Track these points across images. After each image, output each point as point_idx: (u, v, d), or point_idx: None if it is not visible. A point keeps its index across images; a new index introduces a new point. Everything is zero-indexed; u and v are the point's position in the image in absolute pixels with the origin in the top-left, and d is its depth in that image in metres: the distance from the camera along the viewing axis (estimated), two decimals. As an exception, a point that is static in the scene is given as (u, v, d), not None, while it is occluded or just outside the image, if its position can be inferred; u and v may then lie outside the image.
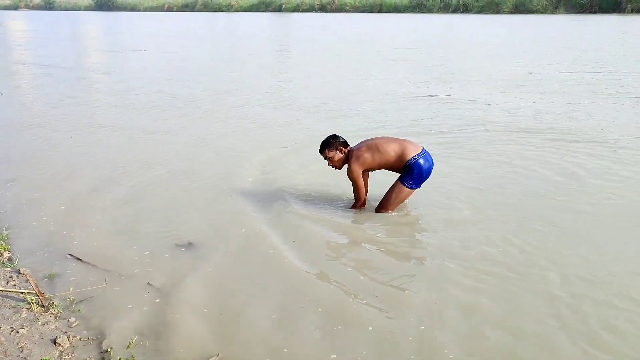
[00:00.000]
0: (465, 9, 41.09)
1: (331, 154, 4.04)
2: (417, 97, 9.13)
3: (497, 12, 38.83)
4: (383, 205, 4.11)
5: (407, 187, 4.02)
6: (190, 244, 3.70)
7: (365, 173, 4.18)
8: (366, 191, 4.22)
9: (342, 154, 4.05)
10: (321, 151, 4.11)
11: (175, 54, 17.18)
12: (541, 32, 23.84)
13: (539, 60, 13.74)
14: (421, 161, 3.94)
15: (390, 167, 4.05)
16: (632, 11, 33.25)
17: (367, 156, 3.94)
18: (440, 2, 42.73)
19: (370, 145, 3.99)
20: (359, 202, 4.16)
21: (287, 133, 6.73)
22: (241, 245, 3.69)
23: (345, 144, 4.07)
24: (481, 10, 40.07)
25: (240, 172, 5.17)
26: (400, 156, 3.94)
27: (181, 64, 14.64)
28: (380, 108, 8.18)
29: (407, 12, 43.70)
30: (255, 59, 15.89)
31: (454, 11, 41.54)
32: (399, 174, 4.07)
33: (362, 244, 3.76)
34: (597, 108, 7.93)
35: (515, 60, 13.89)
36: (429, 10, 42.88)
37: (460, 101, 8.66)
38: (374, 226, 3.97)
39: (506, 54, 15.62)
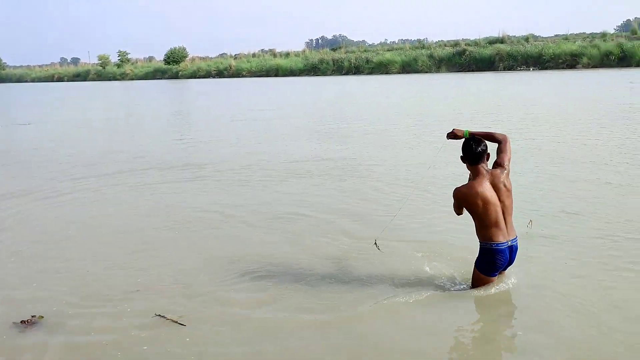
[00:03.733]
0: (357, 71, 42.26)
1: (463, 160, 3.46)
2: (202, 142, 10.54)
3: (387, 73, 40.14)
4: (473, 285, 3.52)
5: (482, 274, 3.39)
6: None
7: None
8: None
9: (467, 167, 3.45)
10: None
11: (59, 124, 15.93)
12: (412, 89, 24.37)
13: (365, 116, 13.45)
14: (499, 251, 3.30)
15: (474, 220, 3.39)
16: (504, 69, 35.42)
17: (468, 200, 3.30)
18: (333, 64, 43.86)
19: (483, 189, 3.27)
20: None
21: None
22: None
23: (474, 159, 3.35)
24: (371, 71, 41.32)
25: None
26: (486, 231, 3.30)
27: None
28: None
29: (303, 75, 44.38)
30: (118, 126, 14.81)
31: (346, 73, 42.62)
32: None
33: None
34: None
35: (348, 116, 13.57)
36: (323, 72, 43.80)
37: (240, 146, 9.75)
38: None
39: (345, 110, 15.32)
